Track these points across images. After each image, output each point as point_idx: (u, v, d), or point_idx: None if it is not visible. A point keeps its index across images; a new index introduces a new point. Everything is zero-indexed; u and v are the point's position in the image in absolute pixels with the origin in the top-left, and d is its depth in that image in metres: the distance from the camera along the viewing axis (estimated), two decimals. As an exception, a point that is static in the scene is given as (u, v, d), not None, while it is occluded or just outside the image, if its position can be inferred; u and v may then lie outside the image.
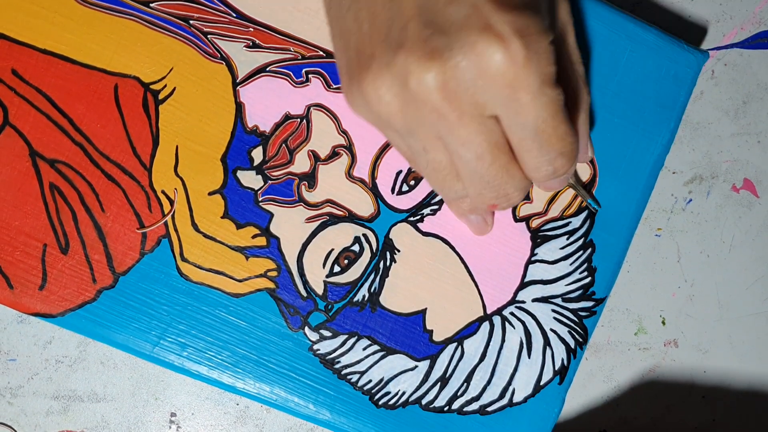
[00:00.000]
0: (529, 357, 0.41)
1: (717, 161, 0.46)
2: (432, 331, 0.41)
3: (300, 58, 0.39)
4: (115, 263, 0.38)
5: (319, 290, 0.40)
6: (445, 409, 0.41)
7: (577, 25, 0.41)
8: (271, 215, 0.39)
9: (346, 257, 0.40)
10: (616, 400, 0.46)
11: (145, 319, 0.39)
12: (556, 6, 0.34)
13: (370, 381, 0.40)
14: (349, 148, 0.40)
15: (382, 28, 0.30)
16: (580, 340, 0.42)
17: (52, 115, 0.38)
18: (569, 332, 0.42)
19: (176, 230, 0.39)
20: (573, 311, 0.42)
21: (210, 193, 0.39)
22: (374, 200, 0.40)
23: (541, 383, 0.41)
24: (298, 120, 0.39)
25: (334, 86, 0.39)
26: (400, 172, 0.40)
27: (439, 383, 0.41)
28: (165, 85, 0.38)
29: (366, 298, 0.40)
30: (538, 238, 0.41)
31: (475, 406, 0.41)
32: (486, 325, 0.41)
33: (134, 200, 0.38)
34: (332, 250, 0.40)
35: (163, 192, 0.39)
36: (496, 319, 0.41)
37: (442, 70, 0.29)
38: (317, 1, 0.39)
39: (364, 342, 0.40)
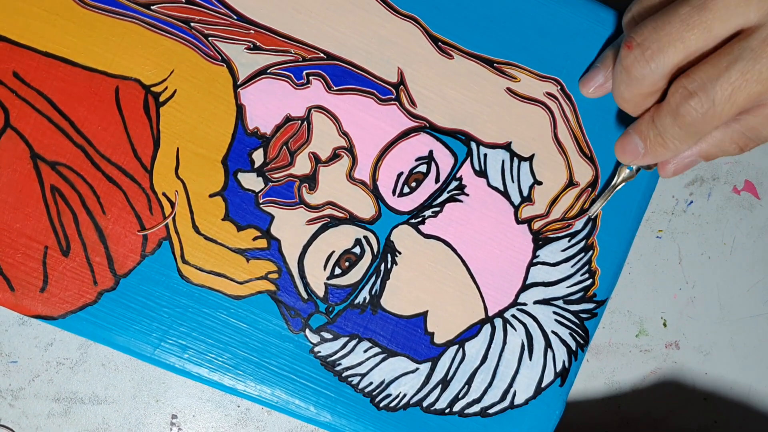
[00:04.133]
0: (530, 359, 0.41)
1: (718, 163, 0.46)
2: (433, 333, 0.41)
3: (301, 60, 0.39)
4: (116, 265, 0.38)
5: (320, 292, 0.40)
6: (446, 411, 0.41)
7: (577, 27, 0.41)
8: (272, 217, 0.39)
9: (347, 259, 0.40)
10: (617, 402, 0.46)
11: (146, 321, 0.39)
12: None
13: (371, 383, 0.40)
14: (350, 149, 0.40)
15: None
16: (582, 342, 0.42)
17: (53, 118, 0.38)
18: (570, 334, 0.42)
19: (177, 232, 0.39)
20: (574, 313, 0.42)
21: (211, 196, 0.39)
22: (375, 202, 0.40)
23: (543, 385, 0.41)
24: (299, 122, 0.39)
25: (335, 88, 0.39)
26: (401, 173, 0.40)
27: (440, 385, 0.41)
28: (166, 88, 0.38)
29: (367, 301, 0.40)
30: (540, 240, 0.41)
31: (476, 408, 0.41)
32: (487, 328, 0.41)
33: (135, 202, 0.38)
34: (333, 252, 0.40)
35: (164, 194, 0.39)
36: (498, 322, 0.41)
37: None
38: (318, 3, 0.39)
39: (365, 344, 0.40)
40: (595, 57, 0.41)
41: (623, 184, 0.41)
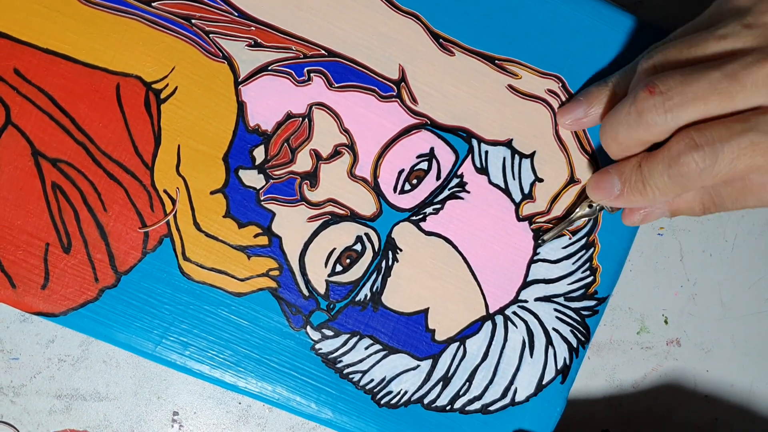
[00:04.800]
0: (531, 356, 0.41)
1: (720, 160, 0.46)
2: (434, 330, 0.41)
3: (302, 56, 0.39)
4: (118, 262, 0.38)
5: (321, 289, 0.40)
6: (447, 408, 0.41)
7: (578, 25, 0.41)
8: (273, 214, 0.39)
9: (348, 256, 0.40)
10: (618, 400, 0.46)
11: (147, 318, 0.39)
12: None
13: (372, 380, 0.40)
14: (351, 147, 0.40)
15: None
16: (583, 339, 0.42)
17: (54, 115, 0.38)
18: (571, 331, 0.42)
19: (178, 229, 0.39)
20: (575, 310, 0.42)
21: (212, 193, 0.39)
22: (376, 199, 0.40)
23: (544, 382, 0.41)
24: (300, 119, 0.39)
25: (336, 85, 0.39)
26: (402, 171, 0.40)
27: (441, 382, 0.41)
28: (167, 84, 0.38)
29: (368, 298, 0.40)
30: (540, 236, 0.41)
31: (477, 405, 0.41)
32: (488, 325, 0.41)
33: (136, 199, 0.38)
34: (334, 249, 0.40)
35: (165, 191, 0.39)
36: (499, 319, 0.41)
37: None
38: (319, -1, 0.39)
39: (366, 341, 0.40)
40: (606, 74, 0.41)
41: (580, 220, 0.41)
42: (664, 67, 0.35)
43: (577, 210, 0.40)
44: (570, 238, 0.41)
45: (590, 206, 0.40)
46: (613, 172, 0.37)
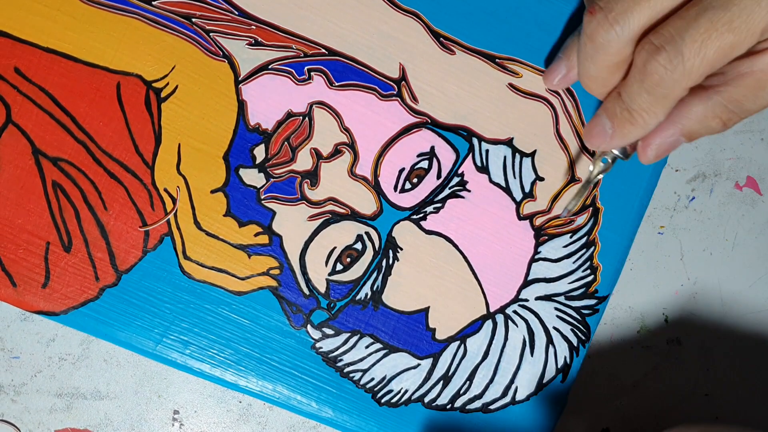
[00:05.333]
0: (531, 355, 0.41)
1: (720, 159, 0.46)
2: (435, 329, 0.41)
3: (302, 55, 0.39)
4: (118, 261, 0.38)
5: (322, 288, 0.40)
6: (448, 407, 0.41)
7: (580, 23, 0.41)
8: (274, 213, 0.39)
9: (349, 255, 0.40)
10: (618, 399, 0.46)
11: (147, 317, 0.39)
12: None
13: (372, 379, 0.40)
14: (352, 145, 0.40)
15: None
16: (583, 338, 0.42)
17: (54, 113, 0.38)
18: (572, 330, 0.42)
19: (179, 228, 0.39)
20: (576, 309, 0.42)
21: (212, 191, 0.39)
22: (377, 198, 0.40)
23: (544, 381, 0.41)
24: (301, 118, 0.39)
25: (337, 84, 0.39)
26: (403, 169, 0.40)
27: (441, 381, 0.41)
28: (167, 83, 0.38)
29: (368, 296, 0.40)
30: (542, 235, 0.41)
31: (477, 404, 0.41)
32: (489, 324, 0.41)
33: (137, 198, 0.38)
34: (335, 248, 0.40)
35: (165, 190, 0.39)
36: (499, 318, 0.41)
37: None
38: (320, -2, 0.39)
39: (367, 340, 0.40)
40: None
41: (600, 176, 0.39)
42: None
43: (593, 169, 0.39)
44: (570, 237, 0.41)
45: (602, 160, 0.38)
46: (601, 112, 0.35)
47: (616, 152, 0.37)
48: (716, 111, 0.34)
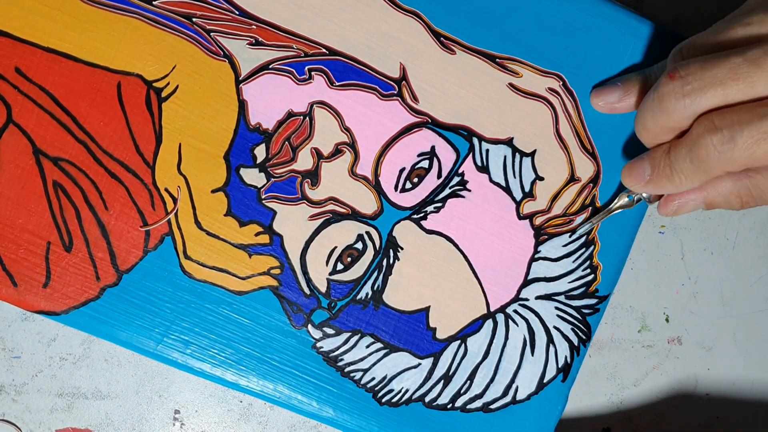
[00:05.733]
0: (532, 355, 0.41)
1: (721, 158, 0.46)
2: (435, 328, 0.41)
3: (303, 55, 0.39)
4: (119, 261, 0.38)
5: (323, 288, 0.40)
6: (449, 406, 0.41)
7: (580, 23, 0.41)
8: (274, 213, 0.39)
9: (350, 255, 0.40)
10: (619, 398, 0.46)
11: (148, 316, 0.39)
12: None
13: (373, 378, 0.40)
14: (352, 145, 0.40)
15: None
16: (584, 337, 0.42)
17: (55, 113, 0.38)
18: (573, 330, 0.42)
19: (179, 228, 0.39)
20: (576, 309, 0.42)
21: (213, 191, 0.39)
22: (377, 198, 0.40)
23: (545, 381, 0.41)
24: (301, 117, 0.39)
25: (337, 83, 0.39)
26: (404, 169, 0.40)
27: (442, 381, 0.41)
28: (168, 83, 0.38)
29: (369, 296, 0.40)
30: (542, 235, 0.41)
31: (478, 403, 0.41)
32: (489, 323, 0.41)
33: (137, 198, 0.39)
34: (335, 247, 0.40)
35: (166, 190, 0.39)
36: (500, 317, 0.41)
37: None
38: (320, -2, 0.39)
39: (368, 339, 0.40)
40: (617, 74, 0.41)
41: (619, 210, 0.41)
42: (690, 53, 0.35)
43: (616, 200, 0.41)
44: (570, 236, 0.41)
45: (629, 197, 0.40)
46: (645, 158, 0.38)
47: (644, 195, 0.40)
48: (741, 192, 0.37)
